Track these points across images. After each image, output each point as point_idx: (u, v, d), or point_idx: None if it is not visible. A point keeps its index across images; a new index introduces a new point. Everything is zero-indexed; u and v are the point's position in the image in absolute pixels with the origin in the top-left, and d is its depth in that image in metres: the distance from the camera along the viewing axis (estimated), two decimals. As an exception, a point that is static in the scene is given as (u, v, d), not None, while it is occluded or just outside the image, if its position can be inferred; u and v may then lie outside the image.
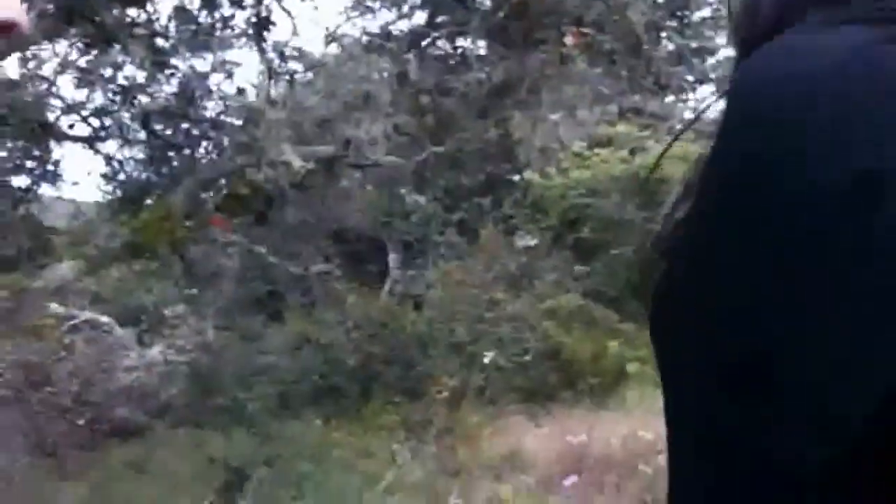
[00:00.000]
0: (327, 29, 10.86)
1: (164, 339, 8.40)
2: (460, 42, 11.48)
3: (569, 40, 10.01)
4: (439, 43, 11.74)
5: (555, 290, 9.47)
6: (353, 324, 8.58)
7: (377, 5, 12.58)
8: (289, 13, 10.28)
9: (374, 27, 11.95)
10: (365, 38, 11.49)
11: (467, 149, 10.89)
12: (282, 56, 10.82)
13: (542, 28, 10.38)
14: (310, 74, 11.84)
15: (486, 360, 7.69)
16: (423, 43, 11.38)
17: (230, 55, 10.92)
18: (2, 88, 11.03)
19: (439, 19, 11.97)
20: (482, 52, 11.32)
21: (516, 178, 11.35)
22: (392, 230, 10.80)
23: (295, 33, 10.41)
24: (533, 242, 9.62)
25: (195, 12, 10.12)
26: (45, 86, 11.28)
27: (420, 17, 11.98)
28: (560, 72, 10.49)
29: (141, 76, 10.89)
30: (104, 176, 10.50)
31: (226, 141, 11.32)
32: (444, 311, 8.62)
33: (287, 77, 10.90)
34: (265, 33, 10.16)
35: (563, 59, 10.24)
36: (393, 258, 10.84)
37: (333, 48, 11.36)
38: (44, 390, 7.30)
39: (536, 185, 10.54)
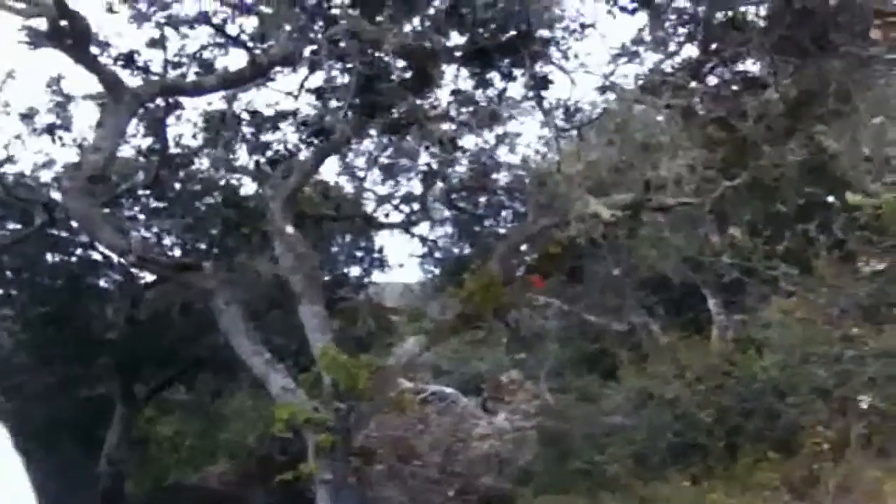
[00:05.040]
0: (604, 76, 10.69)
1: (506, 405, 8.68)
2: (740, 66, 10.90)
3: (875, 35, 9.05)
4: (717, 71, 11.25)
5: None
6: (694, 376, 8.23)
7: (642, 49, 12.25)
8: (563, 69, 10.27)
9: (643, 71, 11.62)
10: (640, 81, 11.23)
11: (774, 174, 10.18)
12: (566, 111, 10.91)
13: (836, 29, 9.49)
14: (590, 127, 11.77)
15: (863, 406, 6.93)
16: (703, 71, 10.95)
17: (511, 127, 11.34)
18: (323, 190, 12.43)
19: (713, 47, 11.45)
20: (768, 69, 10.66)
21: (831, 199, 10.35)
22: (706, 272, 10.33)
23: (573, 84, 10.26)
24: (881, 266, 8.63)
25: (470, 92, 10.65)
26: (357, 183, 12.50)
27: (690, 51, 11.54)
28: (866, 74, 9.51)
29: (435, 162, 11.71)
30: (422, 256, 11.30)
31: (522, 207, 11.69)
32: (793, 354, 7.97)
33: (574, 130, 10.92)
34: (542, 93, 10.33)
35: (867, 59, 9.28)
36: (713, 302, 10.33)
37: (608, 96, 11.21)
38: (413, 463, 7.84)
39: (867, 202, 9.52)
